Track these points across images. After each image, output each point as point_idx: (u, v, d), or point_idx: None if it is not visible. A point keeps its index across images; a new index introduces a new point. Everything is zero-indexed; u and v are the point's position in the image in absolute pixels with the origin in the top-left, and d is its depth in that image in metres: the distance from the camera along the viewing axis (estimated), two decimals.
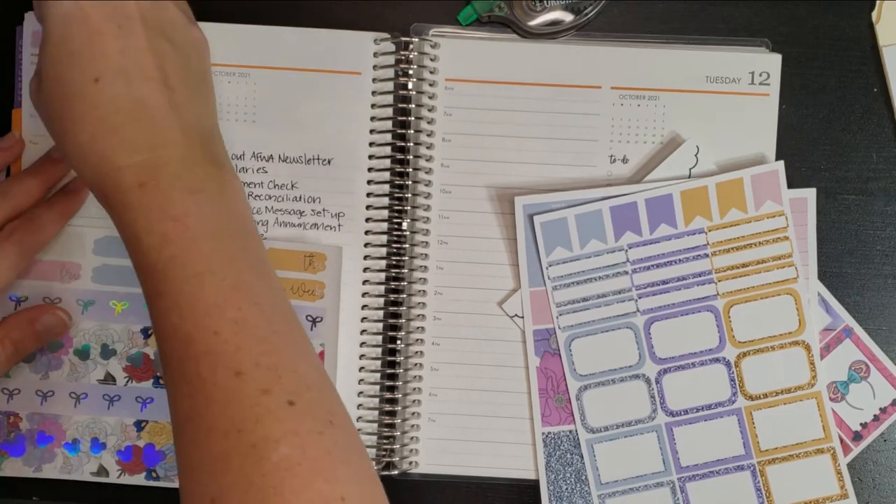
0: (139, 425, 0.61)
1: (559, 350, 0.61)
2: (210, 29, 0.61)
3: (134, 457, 0.61)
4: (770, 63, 0.61)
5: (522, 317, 0.61)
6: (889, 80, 0.62)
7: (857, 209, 0.62)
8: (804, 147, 0.62)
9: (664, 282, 0.61)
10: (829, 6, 0.62)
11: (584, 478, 0.60)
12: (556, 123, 0.62)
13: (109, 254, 0.61)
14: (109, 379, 0.61)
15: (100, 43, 0.46)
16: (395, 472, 0.62)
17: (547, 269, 0.61)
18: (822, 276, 0.62)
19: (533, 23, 0.61)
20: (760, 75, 0.61)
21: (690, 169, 0.61)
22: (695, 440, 0.61)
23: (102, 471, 0.61)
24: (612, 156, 0.62)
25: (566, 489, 0.60)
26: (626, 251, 0.61)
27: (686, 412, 0.61)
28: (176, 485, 0.61)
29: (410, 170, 0.61)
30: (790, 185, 0.61)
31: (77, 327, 0.61)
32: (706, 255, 0.61)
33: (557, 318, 0.61)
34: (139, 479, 0.61)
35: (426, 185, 0.62)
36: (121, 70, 0.46)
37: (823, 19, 0.62)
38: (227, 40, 0.61)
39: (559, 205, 0.61)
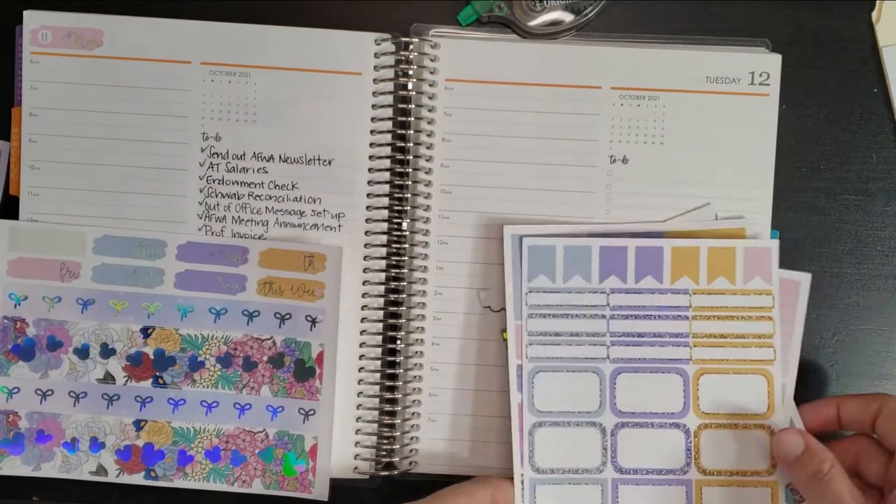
0: (138, 425, 0.61)
1: (523, 378, 0.59)
2: (210, 29, 0.61)
3: (133, 456, 0.61)
4: (770, 63, 0.61)
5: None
6: (889, 80, 0.62)
7: (857, 209, 0.62)
8: (804, 147, 0.62)
9: (640, 334, 0.59)
10: (829, 6, 0.62)
11: None
12: (556, 123, 0.61)
13: (109, 253, 0.61)
14: (109, 378, 0.61)
15: None
16: (395, 472, 0.62)
17: (526, 294, 0.60)
18: (823, 276, 0.62)
19: (533, 23, 0.61)
20: (760, 75, 0.61)
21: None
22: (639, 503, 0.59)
23: (101, 470, 0.61)
24: (612, 156, 0.62)
25: None
26: (608, 295, 0.59)
27: (636, 472, 0.59)
28: (174, 485, 0.61)
29: (410, 170, 0.61)
30: (791, 190, 0.62)
31: (77, 326, 0.61)
32: (686, 318, 0.59)
33: (527, 347, 0.59)
34: (138, 479, 0.61)
35: (426, 185, 0.62)
36: None
37: (823, 19, 0.62)
38: (227, 40, 0.61)
39: (548, 232, 0.60)
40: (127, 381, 0.61)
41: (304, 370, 0.61)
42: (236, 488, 0.61)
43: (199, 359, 0.61)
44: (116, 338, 0.61)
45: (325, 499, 0.61)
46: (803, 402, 0.60)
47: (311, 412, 0.61)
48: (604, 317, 0.59)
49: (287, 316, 0.61)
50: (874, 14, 0.62)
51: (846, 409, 0.56)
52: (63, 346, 0.61)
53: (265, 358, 0.61)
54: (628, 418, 0.59)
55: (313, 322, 0.60)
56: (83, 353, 0.61)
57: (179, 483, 0.61)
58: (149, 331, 0.61)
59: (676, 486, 0.59)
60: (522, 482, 0.59)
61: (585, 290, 0.60)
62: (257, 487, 0.61)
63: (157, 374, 0.61)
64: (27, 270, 0.61)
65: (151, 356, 0.61)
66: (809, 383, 0.62)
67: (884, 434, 0.54)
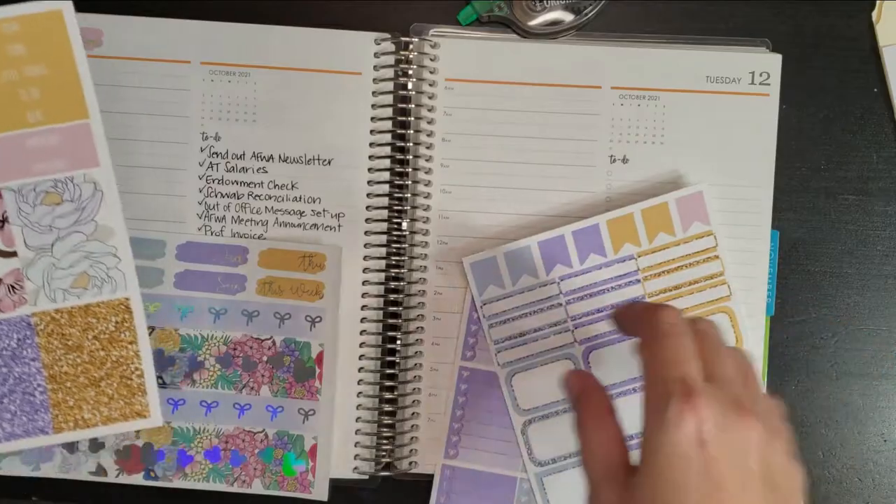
0: None
1: (501, 384, 0.61)
2: (210, 29, 0.61)
3: (132, 456, 0.61)
4: (770, 63, 0.61)
5: None
6: (889, 80, 0.62)
7: (857, 209, 0.62)
8: (804, 147, 0.62)
9: (599, 310, 0.61)
10: (829, 6, 0.62)
11: None
12: (555, 123, 0.61)
13: None
14: None
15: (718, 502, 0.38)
16: (395, 472, 0.62)
17: (481, 307, 0.61)
18: (823, 277, 0.62)
19: (533, 23, 0.61)
20: (760, 75, 0.61)
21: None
22: None
23: (101, 470, 0.61)
24: (612, 156, 0.62)
25: None
26: (559, 283, 0.61)
27: (630, 438, 0.59)
28: (173, 484, 0.61)
29: (410, 170, 0.61)
30: (791, 190, 0.62)
31: None
32: (638, 281, 0.61)
33: (496, 355, 0.61)
34: (137, 479, 0.61)
35: (426, 185, 0.62)
36: None
37: (823, 19, 0.62)
38: (226, 40, 0.61)
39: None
40: None
41: (303, 370, 0.61)
42: (236, 488, 0.61)
43: (199, 359, 0.61)
44: None
45: (325, 499, 0.60)
46: (801, 394, 0.60)
47: (311, 412, 0.61)
48: (560, 304, 0.61)
49: (287, 316, 0.60)
50: (874, 14, 0.62)
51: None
52: None
53: (265, 358, 0.61)
54: (611, 390, 0.60)
55: (313, 322, 0.60)
56: None
57: (179, 483, 0.61)
58: (149, 330, 0.61)
59: None
60: (531, 481, 0.60)
61: (536, 286, 0.61)
62: (257, 487, 0.61)
63: (157, 373, 0.61)
64: None
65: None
66: (809, 383, 0.62)
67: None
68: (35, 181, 0.46)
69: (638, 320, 0.45)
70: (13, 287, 0.48)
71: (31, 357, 0.49)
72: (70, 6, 0.43)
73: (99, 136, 0.45)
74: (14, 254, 0.47)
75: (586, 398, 0.45)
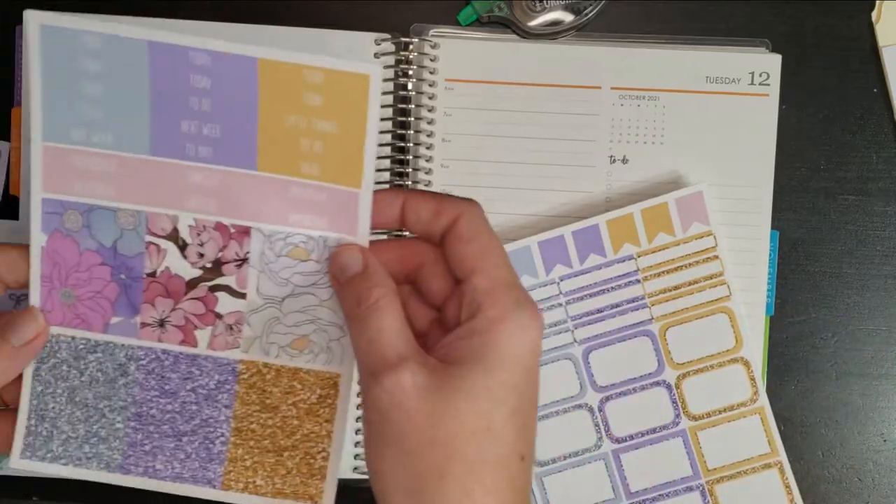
0: None
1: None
2: (211, 29, 0.61)
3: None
4: (770, 63, 0.61)
5: None
6: (889, 81, 0.62)
7: (856, 209, 0.62)
8: (804, 147, 0.62)
9: (598, 310, 0.61)
10: (829, 6, 0.62)
11: (77, 399, 0.47)
12: (555, 123, 0.61)
13: None
14: None
15: None
16: None
17: None
18: (822, 277, 0.62)
19: (533, 23, 0.61)
20: (760, 75, 0.61)
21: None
22: (643, 465, 0.61)
23: None
24: (612, 156, 0.62)
25: (54, 407, 0.47)
26: (558, 283, 0.61)
27: (632, 437, 0.61)
28: None
29: (410, 170, 0.61)
30: (791, 190, 0.62)
31: None
32: (638, 281, 0.61)
33: None
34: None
35: (426, 185, 0.62)
36: None
37: (823, 19, 0.62)
38: (227, 40, 0.61)
39: None
40: None
41: None
42: None
43: None
44: None
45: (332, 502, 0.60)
46: (801, 394, 0.60)
47: None
48: (560, 305, 0.61)
49: None
50: (874, 14, 0.62)
51: (412, 211, 0.43)
52: None
53: None
54: (610, 391, 0.61)
55: None
56: None
57: None
58: None
59: (673, 440, 0.61)
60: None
61: (535, 286, 0.61)
62: None
63: None
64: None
65: None
66: (809, 383, 0.62)
67: (451, 256, 0.42)
68: (288, 231, 0.44)
69: None
70: (231, 328, 0.45)
71: (224, 403, 0.46)
72: (379, 73, 0.40)
73: (365, 209, 0.42)
74: (243, 296, 0.45)
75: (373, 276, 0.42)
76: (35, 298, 0.45)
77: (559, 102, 0.61)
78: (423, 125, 0.61)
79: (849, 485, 0.62)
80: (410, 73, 0.61)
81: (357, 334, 0.41)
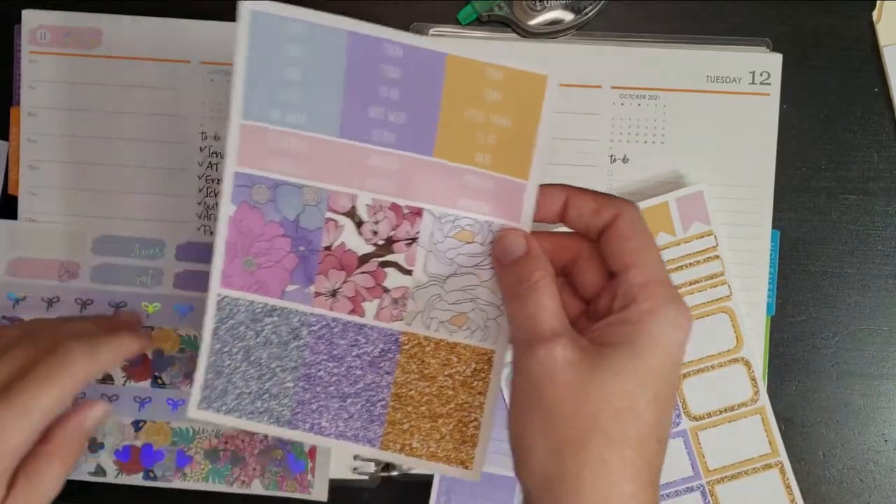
0: (137, 425, 0.61)
1: (502, 384, 0.58)
2: (210, 28, 0.61)
3: (132, 457, 0.61)
4: (770, 63, 0.61)
5: None
6: (889, 80, 0.62)
7: (857, 209, 0.62)
8: (804, 147, 0.62)
9: None
10: (829, 6, 0.62)
11: (252, 358, 0.51)
12: (556, 123, 0.61)
13: (108, 253, 0.61)
14: (108, 378, 0.61)
15: None
16: (395, 472, 0.62)
17: None
18: (823, 277, 0.62)
19: (533, 22, 0.61)
20: (761, 75, 0.61)
21: None
22: None
23: (100, 470, 0.61)
24: (612, 156, 0.62)
25: (230, 364, 0.51)
26: None
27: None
28: (173, 485, 0.61)
29: None
30: (791, 190, 0.62)
31: None
32: None
33: None
34: (137, 479, 0.61)
35: None
36: None
37: (823, 19, 0.62)
38: (227, 40, 0.61)
39: None
40: (126, 381, 0.61)
41: None
42: (235, 489, 0.61)
43: None
44: None
45: (325, 499, 0.60)
46: (802, 394, 0.60)
47: None
48: None
49: None
50: (875, 13, 0.62)
51: (574, 207, 0.46)
52: None
53: None
54: None
55: None
56: None
57: (178, 484, 0.61)
58: (149, 329, 0.61)
59: (673, 440, 0.61)
60: None
61: None
62: (256, 488, 0.61)
63: (156, 374, 0.61)
64: (26, 270, 0.61)
65: (150, 356, 0.61)
66: (810, 383, 0.62)
67: (608, 251, 0.45)
68: (456, 214, 0.48)
69: None
70: (397, 301, 0.49)
71: (386, 370, 0.50)
72: (555, 78, 0.45)
73: (530, 199, 0.46)
74: (410, 273, 0.49)
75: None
76: (218, 264, 0.49)
77: (559, 102, 0.61)
78: None
79: (850, 485, 0.62)
80: None
81: (516, 310, 0.45)
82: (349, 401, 0.50)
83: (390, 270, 0.49)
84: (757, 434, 0.60)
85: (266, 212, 0.48)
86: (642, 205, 0.60)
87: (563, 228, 0.47)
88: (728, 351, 0.60)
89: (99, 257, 0.61)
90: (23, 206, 0.62)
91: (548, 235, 0.47)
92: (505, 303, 0.47)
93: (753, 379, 0.60)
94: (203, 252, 0.61)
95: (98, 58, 0.61)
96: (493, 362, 0.50)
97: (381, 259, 0.49)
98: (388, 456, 0.51)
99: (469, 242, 0.48)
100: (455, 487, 0.61)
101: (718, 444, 0.60)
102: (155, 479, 0.61)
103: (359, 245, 0.49)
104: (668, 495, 0.60)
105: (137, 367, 0.61)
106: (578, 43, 0.62)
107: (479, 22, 0.62)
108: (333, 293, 0.49)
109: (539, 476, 0.41)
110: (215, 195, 0.61)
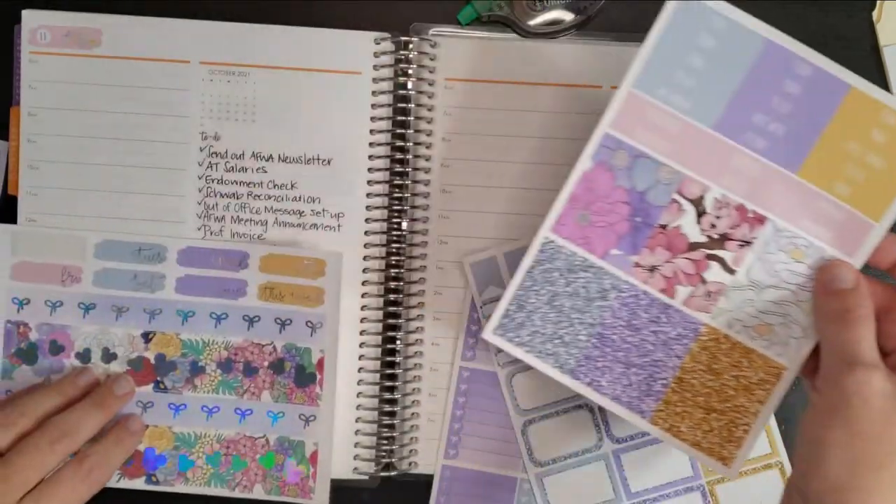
0: None
1: (501, 384, 0.62)
2: (210, 28, 0.61)
3: (134, 461, 0.61)
4: None
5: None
6: (890, 80, 0.62)
7: None
8: None
9: None
10: (829, 6, 0.62)
11: (555, 304, 0.53)
12: (555, 123, 0.61)
13: (110, 258, 0.61)
14: None
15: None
16: (395, 472, 0.62)
17: (481, 307, 0.61)
18: None
19: (533, 22, 0.61)
20: None
21: None
22: (643, 465, 0.61)
23: None
24: None
25: (534, 303, 0.53)
26: None
27: (632, 438, 0.61)
28: (175, 489, 0.61)
29: (410, 170, 0.61)
30: None
31: (78, 331, 0.61)
32: None
33: (496, 355, 0.61)
34: (139, 484, 0.61)
35: (426, 185, 0.62)
36: None
37: (824, 19, 0.62)
38: (226, 40, 0.61)
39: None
40: None
41: (304, 376, 0.61)
42: (237, 493, 0.61)
43: (200, 364, 0.61)
44: (118, 342, 0.61)
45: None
46: (802, 394, 0.60)
47: (312, 418, 0.61)
48: None
49: (287, 321, 0.60)
50: (875, 13, 0.62)
51: None
52: (65, 351, 0.61)
53: (266, 363, 0.61)
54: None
55: (313, 328, 0.60)
56: (85, 357, 0.61)
57: (180, 488, 0.61)
58: (150, 335, 0.61)
59: None
60: (531, 481, 0.61)
61: None
62: (258, 493, 0.61)
63: (158, 378, 0.61)
64: (30, 274, 0.61)
65: (152, 361, 0.61)
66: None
67: None
68: (796, 232, 0.50)
69: None
70: (709, 294, 0.51)
71: (677, 354, 0.52)
72: None
73: (872, 241, 0.49)
74: (733, 272, 0.51)
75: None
76: (557, 210, 0.52)
77: (559, 102, 0.61)
78: (423, 125, 0.61)
79: None
80: (410, 72, 0.61)
81: (835, 333, 0.48)
82: (633, 370, 0.53)
83: (714, 265, 0.51)
84: None
85: (619, 177, 0.51)
86: None
87: None
88: None
89: (101, 262, 0.61)
90: (23, 207, 0.62)
91: (868, 277, 0.50)
92: (822, 325, 0.49)
93: None
94: (204, 257, 0.61)
95: (98, 58, 0.61)
96: (781, 378, 0.52)
97: (709, 252, 0.51)
98: (654, 431, 0.53)
99: (798, 261, 0.50)
100: (454, 487, 0.61)
101: None
102: (157, 483, 0.61)
103: (693, 232, 0.51)
104: (667, 495, 0.61)
105: (140, 372, 0.61)
106: (578, 43, 0.62)
107: (479, 22, 0.62)
108: (652, 269, 0.52)
109: (831, 483, 0.44)
110: (215, 195, 0.61)
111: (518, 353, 0.54)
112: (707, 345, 0.52)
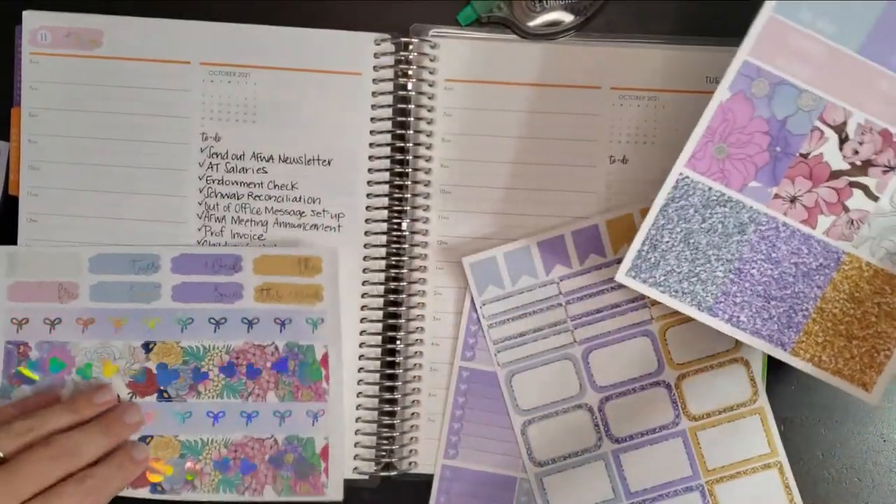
0: (144, 439, 0.61)
1: (501, 384, 0.61)
2: (210, 29, 0.61)
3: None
4: None
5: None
6: None
7: None
8: None
9: (598, 310, 0.61)
10: None
11: (691, 241, 0.53)
12: (555, 123, 0.61)
13: (105, 271, 0.61)
14: None
15: None
16: (395, 472, 0.62)
17: (481, 307, 0.61)
18: None
19: (532, 23, 0.61)
20: None
21: None
22: (642, 465, 0.61)
23: None
24: (611, 156, 0.62)
25: (668, 241, 0.53)
26: (558, 283, 0.61)
27: (631, 438, 0.61)
28: (182, 497, 0.61)
29: (410, 170, 0.61)
30: None
31: (78, 346, 0.61)
32: None
33: (496, 355, 0.61)
34: (144, 493, 0.61)
35: (426, 185, 0.62)
36: None
37: None
38: (226, 40, 0.61)
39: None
40: (132, 397, 0.61)
41: (309, 372, 0.61)
42: (247, 497, 0.61)
43: (202, 370, 0.61)
44: (118, 355, 0.61)
45: (340, 498, 0.60)
46: (801, 394, 0.60)
47: (321, 413, 0.61)
48: (560, 305, 0.61)
49: (287, 320, 0.60)
50: None
51: None
52: (66, 368, 0.61)
53: (269, 364, 0.61)
54: (610, 391, 0.61)
55: (315, 325, 0.60)
56: (86, 373, 0.61)
57: (188, 496, 0.61)
58: (150, 346, 0.61)
59: (672, 439, 0.61)
60: (531, 481, 0.61)
61: (535, 287, 0.61)
62: (269, 495, 0.61)
63: (161, 388, 0.61)
64: (26, 294, 0.61)
65: (154, 371, 0.61)
66: (809, 382, 0.62)
67: None
68: None
69: None
70: (852, 223, 0.51)
71: (818, 284, 0.52)
72: None
73: None
74: (876, 199, 0.50)
75: None
76: (692, 144, 0.51)
77: (559, 102, 0.61)
78: (423, 125, 0.61)
79: (848, 485, 0.62)
80: (410, 73, 0.61)
81: None
82: (773, 303, 0.52)
83: (857, 192, 0.50)
84: (756, 434, 0.61)
85: (758, 106, 0.50)
86: (642, 205, 0.60)
87: None
88: (727, 351, 0.61)
89: (96, 276, 0.61)
90: (23, 207, 0.62)
91: None
92: None
93: (752, 379, 0.60)
94: (198, 263, 0.61)
95: (99, 58, 0.61)
96: None
97: (852, 179, 0.50)
98: (796, 362, 0.52)
99: None
100: (454, 487, 0.61)
101: (717, 443, 0.61)
102: (163, 492, 0.61)
103: (835, 160, 0.50)
104: (666, 495, 0.61)
105: (142, 383, 0.61)
106: (578, 43, 0.62)
107: (479, 23, 0.62)
108: (793, 199, 0.51)
109: None
110: (216, 196, 0.61)
111: (654, 293, 0.53)
112: (849, 274, 0.51)
